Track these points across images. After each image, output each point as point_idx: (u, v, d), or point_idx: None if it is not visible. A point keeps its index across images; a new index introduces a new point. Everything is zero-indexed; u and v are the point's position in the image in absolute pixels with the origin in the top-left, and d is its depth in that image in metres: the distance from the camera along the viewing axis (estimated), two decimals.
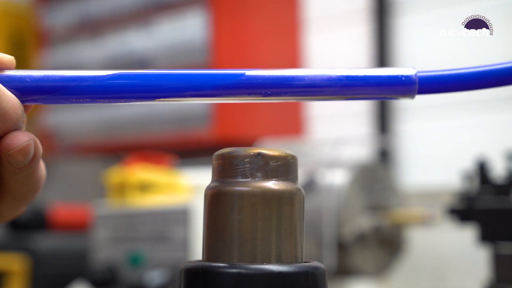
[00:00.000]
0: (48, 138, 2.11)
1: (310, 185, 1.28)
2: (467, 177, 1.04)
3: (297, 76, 0.41)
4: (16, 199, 0.45)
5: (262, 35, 1.92)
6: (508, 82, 0.42)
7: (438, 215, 1.26)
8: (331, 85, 0.41)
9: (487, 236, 0.97)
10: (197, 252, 1.20)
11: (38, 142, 0.41)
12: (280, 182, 0.40)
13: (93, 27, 2.05)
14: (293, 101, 0.43)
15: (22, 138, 0.40)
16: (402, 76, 0.41)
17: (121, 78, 0.40)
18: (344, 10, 1.84)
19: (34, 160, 0.41)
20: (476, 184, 1.02)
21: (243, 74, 0.41)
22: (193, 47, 1.81)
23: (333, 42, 1.86)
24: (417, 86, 0.41)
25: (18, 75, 0.41)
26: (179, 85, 0.41)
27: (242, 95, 0.42)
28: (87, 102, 0.41)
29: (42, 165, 0.44)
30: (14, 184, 0.43)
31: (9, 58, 0.42)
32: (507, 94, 1.45)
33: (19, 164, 0.40)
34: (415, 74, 0.41)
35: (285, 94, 0.41)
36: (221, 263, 0.39)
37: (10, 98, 0.39)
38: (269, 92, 0.41)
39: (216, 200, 0.40)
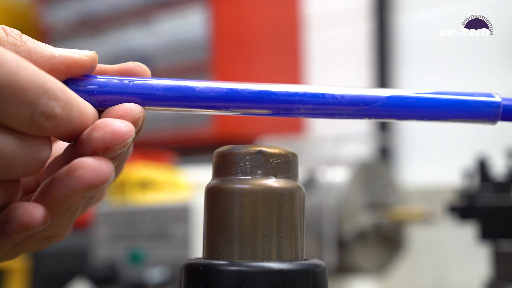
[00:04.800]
0: None
1: (311, 182, 1.28)
2: (468, 174, 1.04)
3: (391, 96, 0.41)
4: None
5: (263, 33, 1.92)
6: None
7: (439, 212, 1.26)
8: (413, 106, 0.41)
9: (487, 233, 0.97)
10: (197, 250, 1.20)
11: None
12: (280, 179, 0.40)
13: (93, 24, 2.05)
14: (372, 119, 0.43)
15: (136, 110, 0.37)
16: (488, 102, 0.42)
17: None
18: (344, 7, 1.84)
19: (139, 132, 0.38)
20: (476, 181, 1.02)
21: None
22: (193, 44, 1.81)
23: (333, 40, 1.86)
24: (500, 113, 0.42)
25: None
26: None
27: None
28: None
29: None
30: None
31: (89, 58, 0.38)
32: (507, 91, 1.45)
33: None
34: (500, 102, 0.42)
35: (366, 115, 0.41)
36: (222, 260, 0.39)
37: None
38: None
39: (216, 198, 0.40)
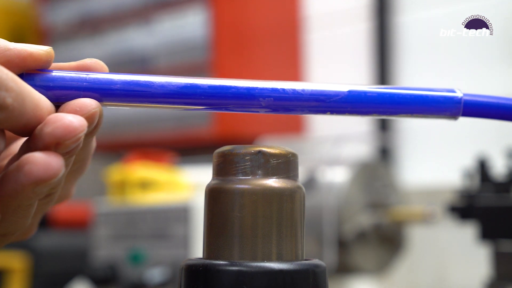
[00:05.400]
0: None
1: (311, 182, 1.28)
2: (468, 174, 1.04)
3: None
4: (76, 171, 0.42)
5: (263, 33, 1.92)
6: None
7: (439, 212, 1.26)
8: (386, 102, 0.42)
9: (488, 233, 0.97)
10: (197, 250, 1.20)
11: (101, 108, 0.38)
12: (280, 179, 0.40)
13: (93, 24, 2.05)
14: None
15: (90, 105, 0.37)
16: (449, 97, 0.42)
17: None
18: (344, 7, 1.84)
19: (97, 128, 0.38)
20: (476, 181, 1.02)
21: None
22: (193, 45, 1.81)
23: (334, 40, 1.86)
24: (461, 108, 0.42)
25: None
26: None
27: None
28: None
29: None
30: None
31: (45, 52, 0.38)
32: (507, 91, 1.45)
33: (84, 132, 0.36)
34: (461, 97, 0.42)
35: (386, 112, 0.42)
36: (222, 260, 0.39)
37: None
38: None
39: (216, 198, 0.40)
